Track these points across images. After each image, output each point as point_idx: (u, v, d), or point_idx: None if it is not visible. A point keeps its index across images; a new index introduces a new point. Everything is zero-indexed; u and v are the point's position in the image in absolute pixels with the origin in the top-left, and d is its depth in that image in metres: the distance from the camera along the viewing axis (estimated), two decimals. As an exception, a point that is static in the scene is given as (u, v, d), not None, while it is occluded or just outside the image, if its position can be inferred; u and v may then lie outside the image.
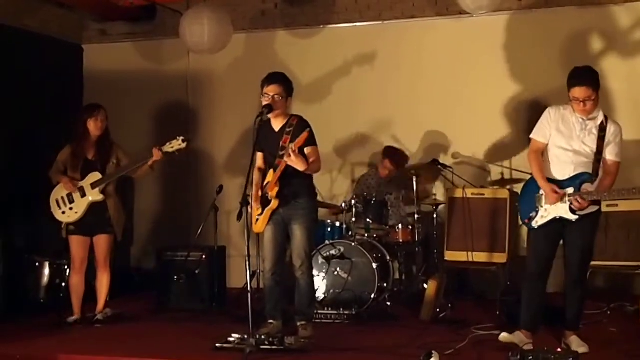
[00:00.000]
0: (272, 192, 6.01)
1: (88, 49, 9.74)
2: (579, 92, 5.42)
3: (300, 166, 5.84)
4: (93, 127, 6.84)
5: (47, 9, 9.06)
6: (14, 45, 8.32)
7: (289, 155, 5.77)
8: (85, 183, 6.80)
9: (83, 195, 6.79)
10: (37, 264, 7.72)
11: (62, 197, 6.84)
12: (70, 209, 6.81)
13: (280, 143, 6.05)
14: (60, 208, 6.84)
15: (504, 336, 5.61)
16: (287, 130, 6.07)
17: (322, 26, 9.08)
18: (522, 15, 8.44)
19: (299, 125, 6.09)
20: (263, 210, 6.11)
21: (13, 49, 8.28)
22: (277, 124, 6.16)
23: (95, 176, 6.80)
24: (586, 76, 5.47)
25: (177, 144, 6.77)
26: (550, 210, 5.55)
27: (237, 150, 9.09)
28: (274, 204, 6.04)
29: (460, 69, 8.57)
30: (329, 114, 8.74)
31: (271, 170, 6.09)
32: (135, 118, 9.36)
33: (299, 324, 6.18)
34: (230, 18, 8.42)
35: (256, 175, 6.22)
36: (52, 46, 9.05)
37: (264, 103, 6.04)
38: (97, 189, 6.77)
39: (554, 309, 5.94)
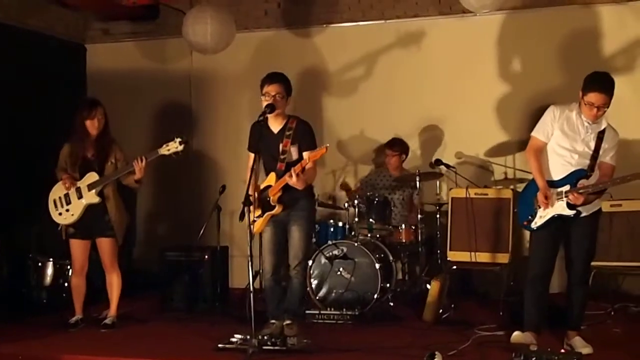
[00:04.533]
0: (274, 197, 6.01)
1: (91, 48, 9.74)
2: (596, 97, 5.34)
3: (299, 186, 5.86)
4: (90, 126, 6.61)
5: (50, 8, 9.06)
6: (17, 44, 8.35)
7: (291, 177, 5.77)
8: (83, 184, 6.60)
9: (80, 196, 6.59)
10: (40, 263, 7.70)
11: (60, 197, 6.68)
12: (67, 210, 6.64)
13: (281, 147, 6.06)
14: (57, 209, 6.68)
15: (516, 335, 5.60)
16: (287, 133, 6.07)
17: (324, 25, 9.06)
18: (525, 13, 8.41)
19: (298, 128, 6.10)
20: (263, 213, 6.11)
21: (16, 48, 8.30)
22: (275, 126, 6.16)
23: (93, 177, 6.58)
24: (607, 84, 5.38)
25: (174, 147, 6.46)
26: (548, 210, 5.54)
27: (239, 150, 9.01)
28: (278, 209, 6.05)
29: (463, 68, 8.55)
30: (330, 112, 8.75)
31: (273, 174, 6.09)
32: (138, 117, 9.37)
33: (285, 323, 6.15)
34: (233, 17, 8.43)
35: (248, 176, 6.12)
36: (55, 46, 9.08)
37: (265, 103, 6.02)
38: (93, 191, 6.56)
39: (556, 310, 5.93)
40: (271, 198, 6.01)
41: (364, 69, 8.87)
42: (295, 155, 6.06)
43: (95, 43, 9.74)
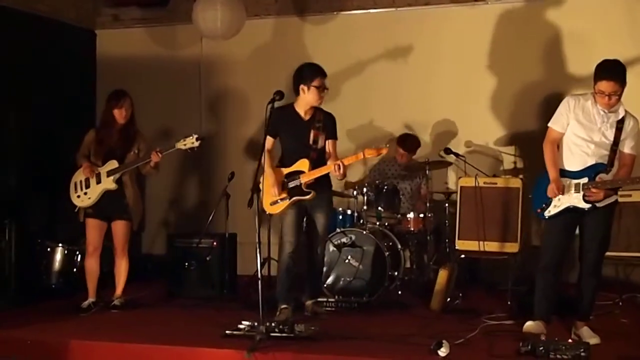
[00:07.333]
0: (306, 183, 6.26)
1: (101, 34, 9.75)
2: (606, 85, 5.30)
3: (340, 177, 6.31)
4: (117, 115, 6.80)
5: (60, -6, 9.07)
6: (27, 30, 8.34)
7: (339, 168, 6.16)
8: (103, 170, 6.78)
9: (98, 181, 6.77)
10: (49, 249, 7.75)
11: (81, 181, 6.84)
12: (85, 193, 6.80)
13: (312, 135, 6.31)
14: (76, 191, 6.85)
15: (528, 324, 5.58)
16: (317, 125, 6.33)
17: (335, 13, 9.04)
18: (537, 2, 8.37)
19: (326, 119, 6.40)
20: (290, 197, 6.28)
21: (26, 34, 8.30)
22: (305, 114, 6.38)
23: (113, 164, 6.77)
24: (616, 71, 5.33)
25: (190, 142, 6.71)
26: (563, 200, 5.51)
27: (249, 137, 9.09)
28: (312, 196, 6.27)
29: (474, 56, 8.52)
30: (341, 101, 8.70)
31: (306, 161, 6.27)
32: (147, 104, 9.29)
33: (312, 301, 6.56)
34: (243, 4, 8.41)
35: (268, 159, 6.22)
36: (65, 32, 9.08)
37: (319, 94, 6.29)
38: (111, 178, 6.74)
39: (565, 300, 5.91)
40: (303, 182, 6.23)
41: (374, 57, 8.84)
42: (322, 144, 6.37)
43: (105, 29, 9.75)
